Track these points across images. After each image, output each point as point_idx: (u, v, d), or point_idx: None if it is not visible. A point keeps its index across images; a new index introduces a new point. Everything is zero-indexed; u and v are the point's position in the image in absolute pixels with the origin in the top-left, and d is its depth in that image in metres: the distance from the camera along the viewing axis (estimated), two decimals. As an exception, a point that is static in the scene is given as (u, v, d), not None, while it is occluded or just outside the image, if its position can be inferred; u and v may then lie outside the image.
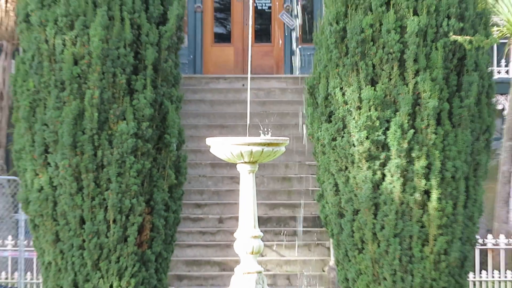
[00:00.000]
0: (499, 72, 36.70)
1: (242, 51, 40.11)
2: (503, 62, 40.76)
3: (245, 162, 16.68)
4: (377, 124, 27.24)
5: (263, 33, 43.39)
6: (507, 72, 40.40)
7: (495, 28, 34.13)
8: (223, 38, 45.28)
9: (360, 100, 27.49)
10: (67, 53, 26.17)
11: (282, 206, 40.05)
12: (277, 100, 42.73)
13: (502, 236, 39.55)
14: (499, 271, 39.13)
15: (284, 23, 42.48)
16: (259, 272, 16.28)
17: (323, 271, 37.86)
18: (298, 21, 42.60)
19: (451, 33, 26.98)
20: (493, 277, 39.71)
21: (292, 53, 41.56)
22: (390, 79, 27.07)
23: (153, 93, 27.12)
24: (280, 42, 43.71)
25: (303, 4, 42.78)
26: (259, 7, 44.10)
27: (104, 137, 26.51)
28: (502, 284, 39.70)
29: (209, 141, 17.30)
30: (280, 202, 39.93)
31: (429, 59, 27.06)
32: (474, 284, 34.21)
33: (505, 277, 39.63)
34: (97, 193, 26.84)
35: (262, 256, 15.72)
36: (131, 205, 26.92)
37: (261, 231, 16.93)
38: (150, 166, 27.08)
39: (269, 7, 44.91)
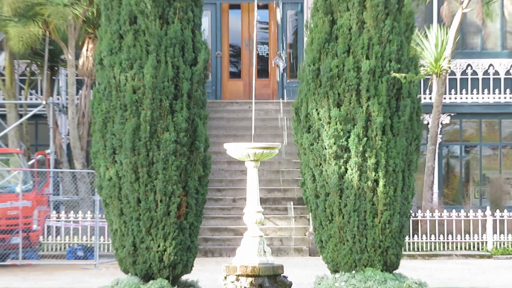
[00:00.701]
0: (424, 98, 37.83)
1: (249, 84, 42.04)
2: (427, 91, 41.91)
3: (251, 160, 18.10)
4: (341, 134, 28.84)
5: (263, 71, 44.92)
6: (430, 98, 42.49)
7: (422, 68, 34.14)
8: (235, 75, 46.55)
9: (330, 117, 29.00)
10: (128, 85, 27.88)
11: (276, 190, 42.76)
12: (273, 117, 44.88)
13: (428, 212, 42.73)
14: (426, 235, 41.99)
15: (277, 65, 43.18)
16: (261, 236, 17.43)
17: (305, 235, 40.74)
18: (286, 63, 43.42)
19: (392, 72, 28.46)
20: (421, 239, 42.41)
21: (282, 85, 42.66)
22: (350, 103, 28.65)
23: (188, 113, 28.23)
24: (275, 77, 44.46)
25: (290, 51, 43.42)
26: (260, 54, 45.16)
27: (154, 143, 28.05)
28: (428, 244, 42.60)
29: (226, 145, 18.82)
30: (274, 187, 42.78)
31: (377, 89, 28.55)
32: (409, 244, 36.20)
33: (430, 239, 42.45)
34: (149, 181, 28.16)
35: (263, 225, 16.57)
36: (172, 190, 28.12)
37: (261, 207, 18.14)
38: (185, 163, 28.34)
39: (267, 54, 46.58)
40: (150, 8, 28.08)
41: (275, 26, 46.53)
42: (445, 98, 43.00)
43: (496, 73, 43.55)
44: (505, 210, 41.69)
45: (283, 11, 45.54)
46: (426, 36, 39.57)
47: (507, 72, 43.22)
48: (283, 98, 43.94)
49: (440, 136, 43.26)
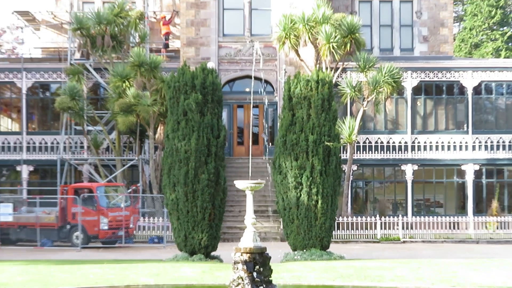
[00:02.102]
0: (343, 155, 36.24)
1: (248, 148, 41.28)
2: (345, 152, 41.10)
3: (249, 190, 17.49)
4: (298, 175, 29.55)
5: (255, 141, 45.27)
6: (346, 155, 40.77)
7: (341, 140, 35.54)
8: (240, 143, 46.76)
9: (291, 166, 29.64)
10: (182, 149, 28.94)
11: (262, 206, 41.02)
12: (261, 167, 43.27)
13: (344, 217, 40.85)
14: (343, 230, 40.08)
15: (263, 138, 41.99)
16: (254, 231, 16.78)
17: (278, 230, 39.45)
18: (268, 137, 42.73)
19: (325, 142, 29.28)
20: (341, 232, 40.26)
21: (266, 149, 42.30)
22: (303, 159, 29.33)
23: (214, 164, 29.30)
24: (262, 144, 43.70)
25: (270, 130, 42.49)
26: (254, 132, 44.38)
27: (196, 180, 28.94)
28: (344, 235, 40.16)
29: (235, 182, 18.37)
30: (261, 204, 41.02)
31: (317, 152, 29.27)
32: (334, 235, 34.79)
33: (346, 232, 40.19)
34: (193, 201, 28.81)
35: (255, 225, 15.88)
36: (206, 206, 28.97)
37: (254, 215, 17.72)
38: (213, 191, 28.99)
39: (257, 131, 45.84)
40: (194, 107, 30.02)
41: (262, 117, 45.76)
42: (354, 156, 41.82)
43: (382, 142, 42.20)
44: (387, 217, 40.54)
45: (266, 109, 44.36)
46: (344, 122, 38.55)
47: (387, 142, 41.79)
48: (267, 156, 42.81)
49: (352, 176, 42.38)
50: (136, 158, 43.29)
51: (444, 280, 20.02)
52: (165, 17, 47.13)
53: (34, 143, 44.22)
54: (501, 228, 42.38)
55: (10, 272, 23.25)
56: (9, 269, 24.17)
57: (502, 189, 44.40)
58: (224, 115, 38.58)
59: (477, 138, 43.46)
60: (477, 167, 43.55)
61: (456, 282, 19.74)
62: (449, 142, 43.65)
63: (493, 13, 61.60)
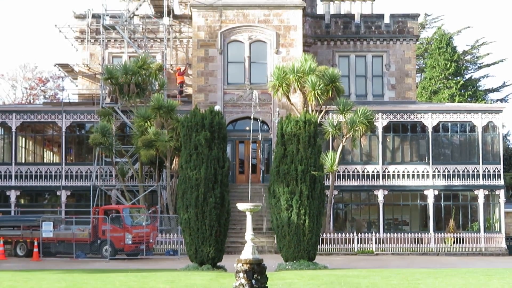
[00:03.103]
0: (326, 182, 36.59)
1: (248, 176, 40.95)
2: (328, 179, 40.66)
3: (248, 211, 17.29)
4: (289, 199, 29.14)
5: (254, 170, 44.16)
6: (329, 182, 40.38)
7: (325, 169, 35.64)
8: (241, 172, 46.51)
9: (284, 192, 29.32)
10: (193, 177, 28.52)
11: (260, 224, 39.73)
12: (258, 192, 41.58)
13: (327, 234, 40.44)
14: (326, 244, 39.50)
15: (260, 168, 41.74)
16: (253, 245, 16.51)
17: (273, 244, 38.64)
18: (264, 167, 42.51)
19: (311, 171, 28.96)
20: (325, 246, 39.54)
21: (263, 177, 42.13)
22: (293, 185, 28.89)
23: (220, 189, 28.85)
24: (259, 173, 43.62)
25: (266, 161, 42.27)
26: (253, 163, 44.65)
27: (205, 203, 28.46)
28: (327, 249, 39.40)
29: (238, 205, 18.16)
30: (259, 223, 39.81)
31: (305, 179, 28.91)
32: (319, 249, 33.85)
33: (328, 246, 39.45)
34: (202, 220, 28.19)
35: (253, 240, 15.56)
36: (213, 224, 28.46)
37: (252, 232, 17.48)
38: (219, 212, 28.53)
39: (255, 163, 45.08)
40: (203, 143, 29.65)
41: (259, 150, 45.05)
42: (335, 183, 41.50)
43: (358, 171, 41.83)
44: (363, 233, 40.30)
45: (263, 144, 43.86)
46: (326, 155, 38.33)
47: (362, 172, 41.35)
48: (264, 182, 42.22)
49: (333, 200, 41.86)
50: (155, 184, 42.84)
51: (410, 286, 19.62)
52: (180, 68, 47.39)
53: (71, 172, 43.80)
54: (457, 243, 42.30)
55: (50, 279, 23.05)
56: (50, 277, 24.00)
57: (458, 211, 43.66)
58: (228, 149, 38.45)
59: (436, 168, 43.20)
60: (436, 192, 43.12)
61: (420, 287, 19.39)
62: (413, 171, 43.36)
63: (448, 65, 61.55)
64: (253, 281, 16.80)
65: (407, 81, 49.03)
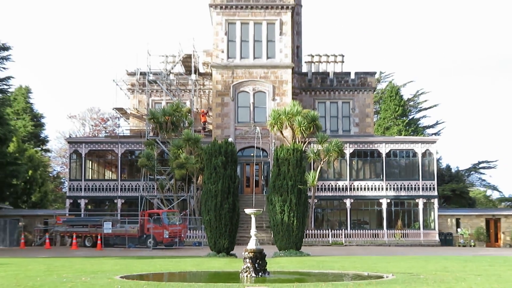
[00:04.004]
0: (308, 193, 35.79)
1: (252, 189, 42.51)
2: (310, 191, 39.42)
3: (252, 214, 17.30)
4: (282, 205, 28.78)
5: (257, 184, 44.81)
6: (310, 193, 39.44)
7: (308, 184, 34.72)
8: (248, 185, 44.59)
9: (278, 200, 29.09)
10: (213, 189, 28.01)
11: (260, 224, 38.94)
12: (260, 200, 40.78)
13: (309, 230, 39.51)
14: (308, 238, 38.55)
15: (262, 183, 42.17)
16: (256, 239, 16.51)
17: (270, 238, 37.56)
18: (265, 182, 42.84)
19: (298, 185, 28.72)
20: (308, 239, 38.68)
21: (263, 189, 43.01)
22: (285, 195, 28.53)
23: (232, 199, 28.44)
24: (261, 187, 43.66)
25: (266, 178, 42.43)
26: (256, 179, 44.30)
27: (221, 208, 28.17)
28: (310, 241, 38.40)
29: (245, 210, 18.18)
30: (260, 223, 38.89)
31: (293, 191, 28.67)
32: (303, 241, 32.22)
33: (311, 239, 38.87)
34: (220, 220, 27.87)
35: (256, 235, 15.50)
36: (227, 223, 28.05)
37: (256, 230, 17.38)
38: (232, 215, 28.21)
39: (258, 179, 44.58)
40: (220, 165, 29.56)
41: (261, 170, 44.60)
42: (315, 194, 41.42)
43: (331, 185, 41.83)
44: (335, 230, 40.25)
45: (263, 165, 43.69)
46: (309, 173, 37.70)
47: (335, 185, 41.56)
48: (263, 193, 42.92)
49: (314, 206, 41.63)
50: (185, 195, 42.47)
51: (369, 268, 19.73)
52: (203, 111, 47.43)
53: (125, 186, 43.56)
54: (403, 237, 42.00)
55: (109, 263, 23.13)
56: (109, 262, 24.12)
57: (404, 214, 43.50)
58: (238, 169, 37.39)
59: (388, 183, 43.08)
60: (388, 200, 43.04)
61: (376, 268, 19.52)
62: (371, 185, 43.28)
63: (396, 109, 61.34)
64: (256, 265, 16.71)
65: (367, 120, 49.01)
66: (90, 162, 45.99)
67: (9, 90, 44.84)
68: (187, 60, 47.34)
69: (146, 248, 36.40)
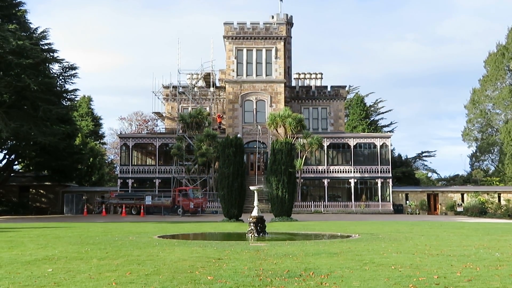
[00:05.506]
0: (297, 174, 35.26)
1: (255, 172, 42.23)
2: (299, 172, 39.69)
3: (255, 190, 16.92)
4: (277, 184, 27.92)
5: (259, 168, 43.87)
6: (299, 174, 39.83)
7: (296, 168, 34.26)
8: (252, 169, 43.91)
9: (274, 179, 27.91)
10: (226, 172, 27.14)
11: (261, 197, 37.66)
12: (261, 180, 40.72)
13: (296, 202, 38.82)
14: (297, 207, 38.27)
15: (262, 167, 42.69)
16: (258, 208, 16.17)
17: (268, 208, 35.97)
18: (264, 166, 41.73)
19: (289, 169, 27.31)
20: (296, 209, 38.11)
21: (263, 172, 41.58)
22: (279, 176, 27.63)
23: (241, 179, 27.75)
24: (262, 170, 42.89)
25: (264, 164, 42.35)
26: (258, 164, 43.86)
27: (233, 185, 27.87)
28: (298, 210, 37.82)
29: (250, 187, 17.57)
30: (261, 197, 38.66)
31: (286, 173, 27.55)
32: (294, 211, 33.29)
33: (299, 208, 38.33)
34: (232, 194, 27.43)
35: (258, 205, 15.13)
36: (236, 197, 27.47)
37: (258, 201, 16.91)
38: (240, 190, 27.53)
39: (259, 164, 44.02)
40: (231, 154, 28.62)
41: (261, 158, 44.24)
42: (302, 175, 40.80)
43: (313, 169, 41.65)
44: (316, 202, 39.84)
45: (263, 155, 43.90)
46: (297, 160, 37.46)
47: (316, 169, 41.26)
48: (263, 175, 41.43)
49: (300, 184, 40.97)
50: (206, 176, 42.01)
51: (341, 230, 19.42)
52: (219, 114, 47.18)
53: (161, 169, 43.34)
54: (367, 207, 42.00)
55: (149, 226, 22.74)
56: (149, 225, 23.73)
57: (367, 191, 43.17)
58: (245, 157, 37.56)
59: (355, 167, 42.99)
60: (355, 180, 42.84)
61: (346, 230, 19.14)
62: (343, 169, 42.99)
63: (361, 113, 60.85)
64: (258, 227, 16.44)
65: (340, 121, 48.77)
66: (136, 152, 45.87)
67: (76, 99, 44.93)
68: (207, 77, 47.35)
69: (176, 215, 36.23)
